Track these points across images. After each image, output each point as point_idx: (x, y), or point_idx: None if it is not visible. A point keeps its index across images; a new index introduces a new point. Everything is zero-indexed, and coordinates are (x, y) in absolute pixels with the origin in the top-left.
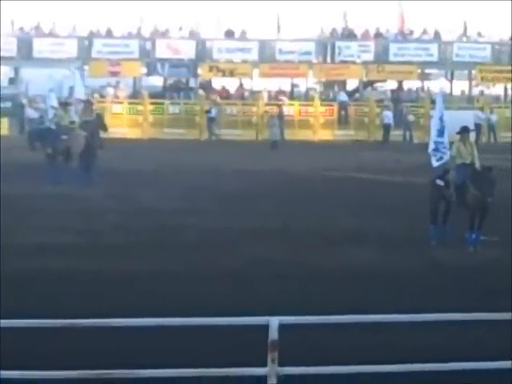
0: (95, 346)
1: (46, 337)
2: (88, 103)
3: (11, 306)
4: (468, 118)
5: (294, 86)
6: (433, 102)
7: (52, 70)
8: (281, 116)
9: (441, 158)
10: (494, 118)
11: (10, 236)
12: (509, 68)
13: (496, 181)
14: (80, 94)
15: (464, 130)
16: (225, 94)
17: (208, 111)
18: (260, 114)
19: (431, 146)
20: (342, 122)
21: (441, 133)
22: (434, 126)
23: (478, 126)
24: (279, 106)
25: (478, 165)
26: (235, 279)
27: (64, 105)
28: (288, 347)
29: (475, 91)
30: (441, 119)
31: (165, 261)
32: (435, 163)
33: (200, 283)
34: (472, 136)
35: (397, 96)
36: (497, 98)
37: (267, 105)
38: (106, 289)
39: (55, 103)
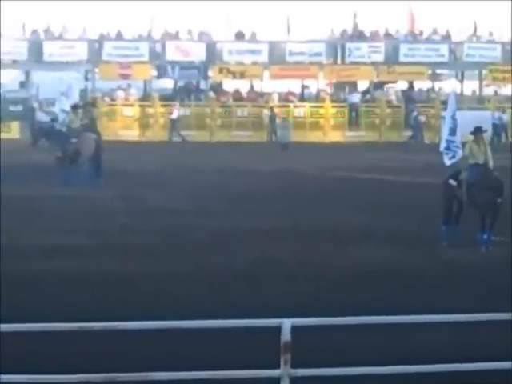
0: (104, 348)
1: (55, 339)
2: (88, 107)
3: (20, 308)
4: (484, 118)
5: (304, 87)
6: (443, 102)
7: (62, 73)
8: (273, 118)
9: (453, 157)
10: (505, 117)
11: (19, 237)
12: None
13: (504, 181)
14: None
15: (477, 131)
16: (236, 96)
17: (170, 113)
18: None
19: (443, 145)
20: (353, 123)
21: (453, 131)
22: (447, 124)
23: (496, 126)
24: (271, 107)
25: (491, 165)
26: (245, 279)
27: (75, 108)
28: (300, 348)
29: (487, 91)
30: (453, 118)
31: (174, 261)
32: (448, 162)
33: (209, 284)
34: (488, 136)
35: (408, 97)
36: (508, 98)
37: (277, 107)
38: (115, 290)
39: (66, 106)
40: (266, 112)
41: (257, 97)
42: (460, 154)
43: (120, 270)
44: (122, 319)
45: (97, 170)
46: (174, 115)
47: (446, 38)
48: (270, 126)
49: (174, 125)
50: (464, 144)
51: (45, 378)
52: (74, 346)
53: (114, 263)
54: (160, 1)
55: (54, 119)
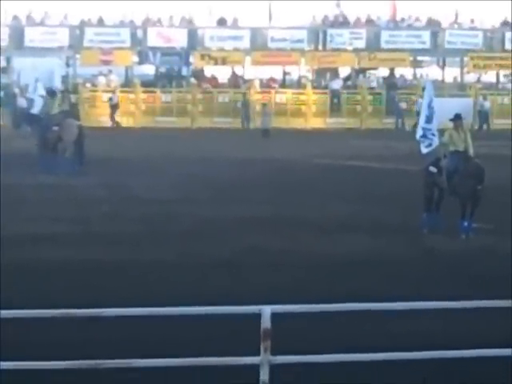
0: (88, 335)
1: (39, 327)
2: (65, 93)
3: (3, 297)
4: (466, 105)
5: (286, 73)
6: (424, 89)
7: (42, 60)
8: (245, 104)
9: (429, 145)
10: (487, 104)
11: (2, 226)
12: (501, 55)
13: (484, 168)
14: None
15: (457, 118)
16: (215, 83)
17: (110, 98)
18: (252, 103)
19: (419, 133)
20: (335, 109)
21: (429, 119)
22: (423, 112)
23: (479, 113)
24: (244, 93)
25: (471, 152)
26: (228, 268)
27: (51, 93)
28: (281, 336)
29: (468, 78)
30: (430, 106)
31: (157, 250)
32: (424, 150)
33: (193, 272)
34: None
35: (389, 83)
36: (490, 85)
37: (259, 93)
38: (98, 278)
39: (43, 92)
40: (239, 98)
41: (237, 81)
42: (436, 142)
43: (103, 258)
44: (106, 306)
45: (79, 157)
46: (114, 100)
47: (428, 24)
48: (242, 113)
49: (113, 110)
50: (443, 131)
51: (27, 365)
52: (58, 333)
53: (96, 251)
54: None
55: (31, 105)
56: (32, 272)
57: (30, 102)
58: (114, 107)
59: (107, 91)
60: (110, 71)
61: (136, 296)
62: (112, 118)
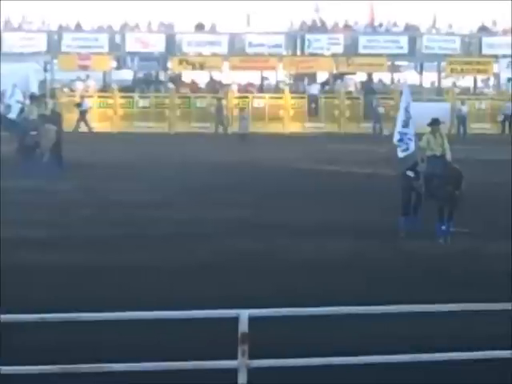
0: (65, 339)
1: (15, 330)
2: (42, 98)
3: None
4: (443, 109)
5: (263, 78)
6: (401, 93)
7: (22, 65)
8: (219, 108)
9: (406, 149)
10: (464, 109)
11: None
12: (478, 60)
13: (462, 173)
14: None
15: (434, 122)
16: (195, 88)
17: (79, 104)
18: (230, 107)
19: (396, 137)
20: (313, 114)
21: (406, 124)
22: (400, 116)
23: (460, 118)
24: (218, 99)
25: (449, 156)
26: (207, 271)
27: (33, 99)
28: (259, 339)
29: (446, 83)
30: (406, 110)
31: (137, 253)
32: (401, 154)
33: (172, 275)
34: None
35: (367, 88)
36: (467, 90)
37: (237, 98)
38: (78, 282)
39: (20, 97)
40: (213, 103)
41: (215, 86)
42: (413, 146)
43: (82, 262)
44: (85, 310)
45: (57, 161)
46: (84, 106)
47: (406, 29)
48: (216, 117)
49: (83, 116)
50: (421, 136)
51: (15, 370)
52: (33, 337)
53: (76, 255)
54: None
55: (8, 110)
56: (10, 276)
57: (8, 107)
58: (83, 113)
59: (85, 96)
60: (88, 76)
61: (115, 300)
62: (78, 123)
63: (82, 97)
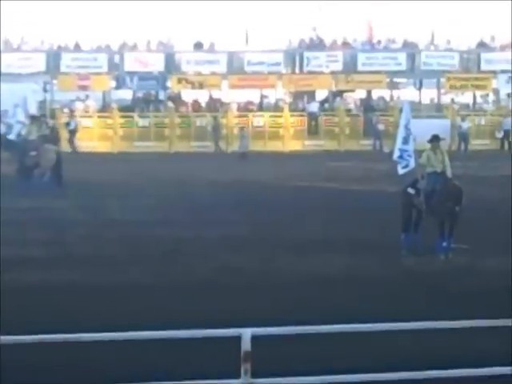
0: (61, 360)
1: (16, 352)
2: (41, 118)
3: None
4: (443, 126)
5: (263, 97)
6: (401, 110)
7: (21, 85)
8: (216, 127)
9: (406, 166)
10: (465, 125)
11: None
12: (477, 76)
13: (462, 189)
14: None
15: (434, 139)
16: (195, 107)
17: (67, 123)
18: (230, 126)
19: (396, 154)
20: (312, 132)
21: (406, 140)
22: (400, 133)
23: (461, 135)
24: (215, 117)
25: (449, 173)
26: (206, 289)
27: (33, 119)
28: (261, 358)
29: (445, 99)
30: (406, 127)
31: (135, 271)
32: (401, 171)
33: (171, 294)
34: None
35: (366, 105)
36: (466, 106)
37: (237, 116)
38: (77, 301)
39: (22, 118)
40: (210, 121)
41: (215, 105)
42: (413, 163)
43: (81, 280)
44: (84, 330)
45: (57, 181)
46: (72, 126)
47: (404, 46)
48: (213, 136)
49: (72, 135)
50: (421, 152)
51: None
52: (34, 358)
53: (75, 274)
54: (118, 10)
55: (9, 131)
56: (9, 295)
57: (9, 127)
58: (72, 132)
59: (84, 116)
60: (88, 96)
61: (115, 319)
62: (70, 142)
63: (71, 116)
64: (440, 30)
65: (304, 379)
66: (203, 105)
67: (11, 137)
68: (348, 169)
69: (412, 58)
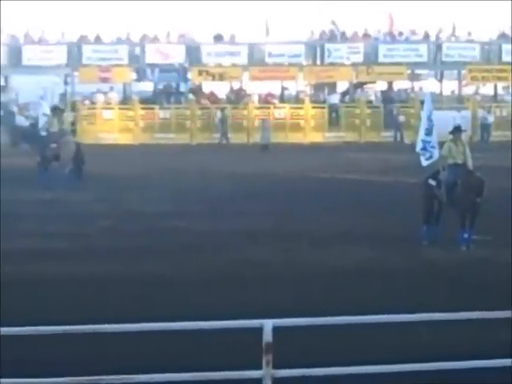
0: (88, 351)
1: (38, 343)
2: (63, 110)
3: (2, 313)
4: (465, 117)
5: (284, 88)
6: (422, 102)
7: (42, 78)
8: (224, 119)
9: (430, 157)
10: (490, 118)
11: (2, 242)
12: (498, 67)
13: (484, 181)
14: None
15: (456, 130)
16: (212, 99)
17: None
18: (251, 118)
19: (419, 145)
20: (333, 124)
21: (429, 132)
22: (423, 125)
23: (485, 126)
24: (222, 109)
25: (470, 164)
26: (227, 281)
27: (54, 111)
28: (282, 349)
29: (466, 90)
30: (429, 118)
31: (157, 264)
32: (425, 162)
33: (192, 286)
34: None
35: (387, 97)
36: (488, 98)
37: (258, 108)
38: (97, 293)
39: (47, 110)
40: (218, 113)
41: (242, 96)
42: (436, 154)
43: (103, 272)
44: (106, 322)
45: (78, 173)
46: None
47: (425, 38)
48: (221, 128)
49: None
50: (442, 144)
51: (28, 382)
52: (57, 349)
53: (96, 266)
54: (138, 2)
55: (35, 123)
56: (32, 287)
57: (34, 120)
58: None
59: (106, 108)
60: (112, 88)
61: (136, 311)
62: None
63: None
64: (461, 22)
65: (325, 370)
66: (223, 96)
67: (36, 129)
68: (369, 160)
69: (433, 49)
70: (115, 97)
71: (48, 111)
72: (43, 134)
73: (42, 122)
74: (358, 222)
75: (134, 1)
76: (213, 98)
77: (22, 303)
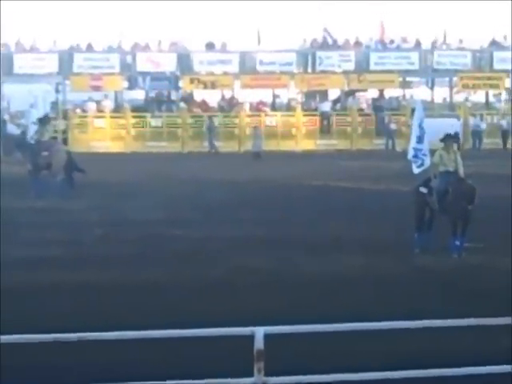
0: (80, 359)
1: (32, 351)
2: (51, 119)
3: None
4: (456, 125)
5: (275, 96)
6: (414, 110)
7: (33, 86)
8: (211, 127)
9: (421, 165)
10: (482, 125)
11: None
12: (489, 75)
13: (476, 188)
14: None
15: (447, 138)
16: (203, 107)
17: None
18: (242, 126)
19: (411, 153)
20: (325, 131)
21: (420, 139)
22: (414, 132)
23: (477, 134)
24: (209, 117)
25: (461, 172)
26: (220, 289)
27: (43, 120)
28: (274, 356)
29: (458, 98)
30: (420, 126)
31: (150, 271)
32: (416, 170)
33: (185, 293)
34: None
35: (378, 105)
36: (479, 105)
37: (249, 116)
38: (92, 301)
39: (36, 119)
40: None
41: (234, 104)
42: (428, 161)
43: (96, 280)
44: (99, 329)
45: (69, 181)
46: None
47: (416, 46)
48: (208, 136)
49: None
50: (433, 151)
51: None
52: (53, 358)
53: (89, 274)
54: (130, 10)
55: (25, 132)
56: (25, 295)
57: (25, 128)
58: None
59: (97, 117)
60: (106, 96)
61: (130, 318)
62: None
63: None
64: (452, 29)
65: (317, 378)
66: (214, 105)
67: (27, 138)
68: (360, 168)
69: (424, 57)
70: (109, 105)
71: (37, 119)
72: (33, 142)
73: (31, 130)
74: (350, 229)
75: (126, 9)
76: (204, 106)
77: (15, 311)
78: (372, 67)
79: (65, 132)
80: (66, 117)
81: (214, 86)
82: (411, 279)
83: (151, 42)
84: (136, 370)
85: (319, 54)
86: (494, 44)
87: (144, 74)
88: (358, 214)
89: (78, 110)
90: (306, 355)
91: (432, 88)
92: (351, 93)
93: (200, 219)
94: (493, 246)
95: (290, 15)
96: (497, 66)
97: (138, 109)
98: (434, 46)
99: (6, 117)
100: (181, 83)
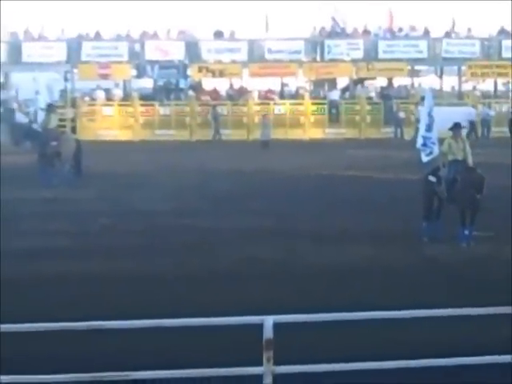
0: (87, 348)
1: (39, 341)
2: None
3: (2, 311)
4: (465, 113)
5: (283, 85)
6: (422, 98)
7: (41, 74)
8: (216, 116)
9: (430, 154)
10: (491, 113)
11: (2, 240)
12: (497, 63)
13: (485, 177)
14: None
15: (456, 127)
16: (214, 95)
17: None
18: (251, 114)
19: (419, 142)
20: (333, 120)
21: (429, 128)
22: (423, 121)
23: (486, 122)
24: (213, 106)
25: (470, 161)
26: (228, 279)
27: (50, 107)
28: (283, 345)
29: (466, 87)
30: (429, 114)
31: (157, 262)
32: (425, 158)
33: (193, 284)
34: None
35: (387, 93)
36: (487, 94)
37: (258, 104)
38: (98, 291)
39: (43, 105)
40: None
41: (240, 92)
42: (436, 150)
43: (103, 270)
44: (106, 319)
45: (77, 170)
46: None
47: (425, 34)
48: (213, 125)
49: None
50: (442, 140)
51: (32, 378)
52: (57, 347)
53: (96, 264)
54: (138, 0)
55: (33, 120)
56: (31, 286)
57: (33, 115)
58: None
59: (106, 105)
60: (117, 85)
61: (137, 308)
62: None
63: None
64: (461, 18)
65: (325, 366)
66: (223, 93)
67: (35, 126)
68: (369, 157)
69: (433, 45)
70: (119, 93)
71: (44, 106)
72: (41, 131)
73: (39, 117)
74: (359, 218)
75: None
76: (215, 94)
77: (21, 302)
78: (380, 56)
79: (73, 120)
80: (74, 105)
81: (222, 74)
82: (419, 269)
83: (160, 31)
84: (144, 359)
85: (328, 42)
86: (503, 32)
87: (152, 63)
88: (366, 204)
89: (87, 99)
90: (315, 344)
91: (440, 76)
92: (360, 81)
93: (208, 209)
94: (501, 235)
95: (298, 3)
96: (505, 54)
97: (146, 97)
98: (442, 34)
99: (15, 105)
100: (189, 71)
